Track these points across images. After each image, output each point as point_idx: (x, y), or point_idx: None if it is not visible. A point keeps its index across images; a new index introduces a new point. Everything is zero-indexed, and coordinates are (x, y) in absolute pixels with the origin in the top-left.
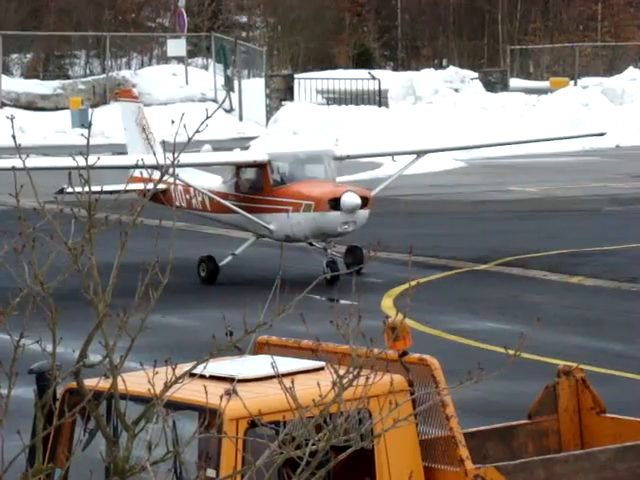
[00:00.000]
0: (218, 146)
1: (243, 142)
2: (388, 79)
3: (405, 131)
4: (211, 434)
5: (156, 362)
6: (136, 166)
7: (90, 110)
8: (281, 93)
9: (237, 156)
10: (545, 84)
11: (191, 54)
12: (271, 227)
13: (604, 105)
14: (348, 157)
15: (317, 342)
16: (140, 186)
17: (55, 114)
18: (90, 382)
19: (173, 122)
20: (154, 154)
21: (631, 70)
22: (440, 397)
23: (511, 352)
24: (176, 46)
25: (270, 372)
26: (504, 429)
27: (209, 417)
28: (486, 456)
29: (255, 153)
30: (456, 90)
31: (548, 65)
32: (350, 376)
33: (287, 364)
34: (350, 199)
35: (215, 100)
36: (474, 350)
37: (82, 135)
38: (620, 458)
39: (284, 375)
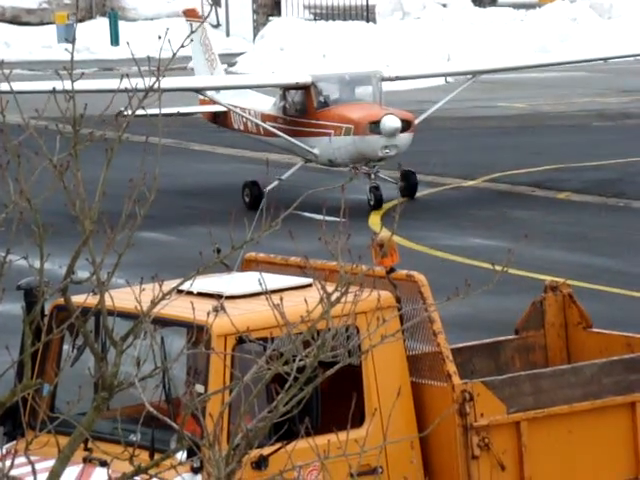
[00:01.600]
0: None
1: (230, 58)
2: None
3: (393, 47)
4: (199, 350)
5: (142, 279)
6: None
7: (75, 25)
8: (268, 8)
9: (279, 78)
10: None
11: None
12: (315, 151)
13: (593, 20)
14: (397, 78)
15: (305, 259)
16: (202, 109)
17: (41, 29)
18: (78, 298)
19: (159, 37)
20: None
21: None
22: (427, 313)
23: (498, 268)
24: None
25: (258, 289)
26: (491, 344)
27: (197, 333)
28: (473, 371)
29: (298, 75)
30: (444, 5)
31: None
32: (338, 293)
33: (275, 281)
34: (390, 122)
35: (202, 15)
36: (461, 266)
37: (66, 50)
38: (606, 372)
39: (272, 292)
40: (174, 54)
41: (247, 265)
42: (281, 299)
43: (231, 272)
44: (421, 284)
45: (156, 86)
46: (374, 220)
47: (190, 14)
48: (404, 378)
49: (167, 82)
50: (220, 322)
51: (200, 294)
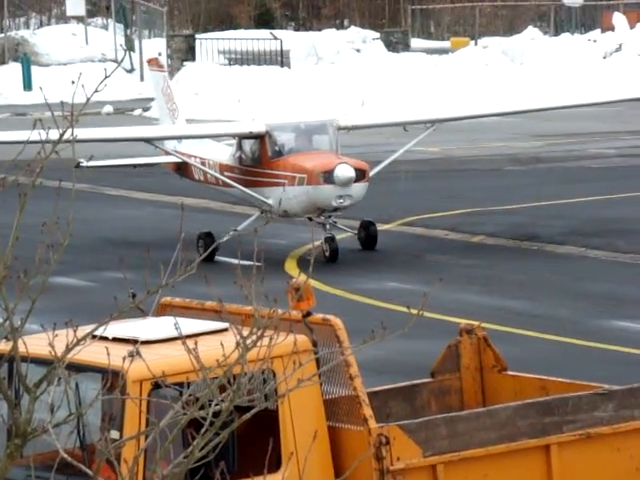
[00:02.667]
0: (119, 107)
1: (144, 102)
2: (290, 39)
3: (307, 92)
4: (114, 396)
5: (56, 324)
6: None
7: None
8: (182, 53)
9: (233, 127)
10: (446, 44)
11: (91, 14)
12: (269, 202)
13: (505, 65)
14: (354, 127)
15: (221, 303)
16: (157, 160)
17: None
18: None
19: (73, 82)
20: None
21: (530, 30)
22: (344, 357)
23: (414, 311)
24: (75, 5)
25: (174, 333)
26: (407, 388)
27: (112, 379)
28: (389, 415)
29: (252, 124)
30: (358, 50)
31: (449, 25)
32: (254, 337)
33: (191, 325)
34: (343, 172)
35: (115, 60)
36: (377, 310)
37: None
38: (521, 415)
39: (188, 336)
40: (88, 99)
41: (163, 310)
42: (196, 343)
43: (146, 317)
44: (337, 328)
45: (69, 131)
46: (290, 264)
47: (152, 63)
48: (321, 422)
49: (118, 132)
50: (135, 367)
51: (115, 339)
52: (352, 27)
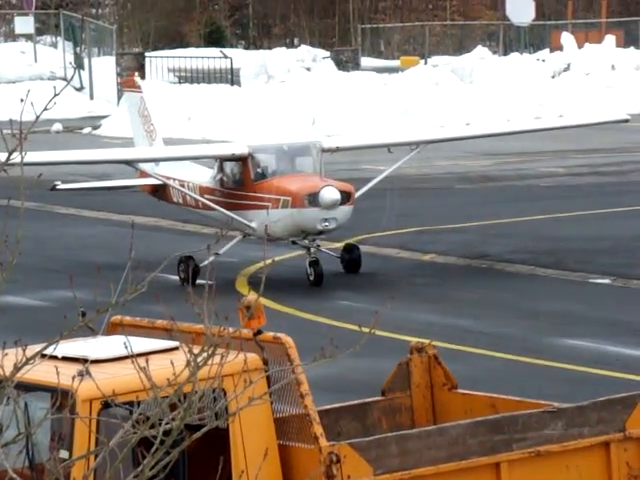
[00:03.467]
0: (68, 125)
1: (94, 121)
2: (240, 58)
3: (258, 110)
4: (64, 415)
5: (5, 343)
6: None
7: None
8: (132, 71)
9: (215, 149)
10: (396, 63)
11: (40, 32)
12: (253, 225)
13: (454, 84)
14: (338, 149)
15: (171, 322)
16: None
17: None
18: None
19: (22, 100)
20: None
21: (480, 49)
22: (294, 375)
23: (365, 330)
24: (24, 23)
25: (124, 352)
26: (358, 406)
27: (62, 398)
28: (340, 433)
29: (234, 146)
30: (308, 69)
31: (399, 44)
32: (204, 355)
33: (141, 344)
34: (329, 194)
35: (65, 78)
36: (328, 328)
37: None
38: (471, 433)
39: (138, 355)
40: (37, 117)
41: (113, 328)
42: (147, 362)
43: (96, 336)
44: (288, 346)
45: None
46: (241, 282)
47: (127, 84)
48: (271, 440)
49: (97, 154)
50: (85, 386)
51: (65, 358)
52: (302, 46)
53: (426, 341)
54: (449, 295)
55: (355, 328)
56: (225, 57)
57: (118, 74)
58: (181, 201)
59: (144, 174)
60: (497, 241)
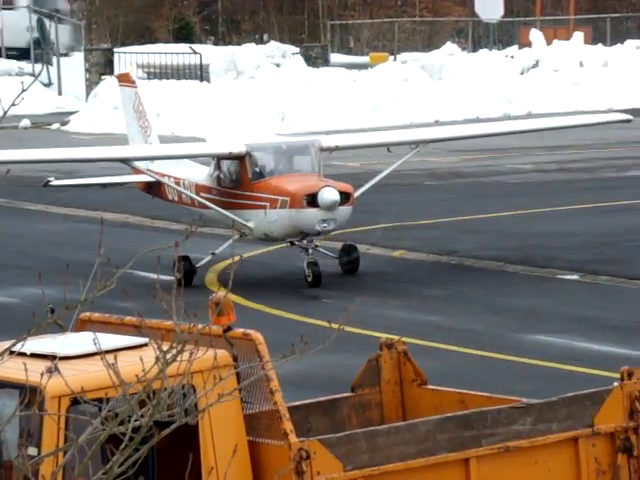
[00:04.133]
0: (37, 120)
1: (62, 117)
2: (209, 54)
3: (227, 106)
4: (32, 412)
5: None
6: None
7: None
8: (101, 67)
9: (211, 147)
10: (365, 59)
11: None
12: (250, 225)
13: (423, 80)
14: (337, 148)
15: (140, 318)
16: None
17: None
18: None
19: None
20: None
21: (449, 45)
22: (264, 371)
23: (335, 326)
24: None
25: (93, 349)
26: (327, 402)
27: (30, 395)
28: (310, 429)
29: (232, 144)
30: (277, 65)
31: (368, 40)
32: (174, 351)
33: (110, 340)
34: (328, 195)
35: (33, 74)
36: (298, 324)
37: None
38: (440, 429)
39: (107, 352)
40: (4, 113)
41: (82, 325)
42: (116, 359)
43: (65, 332)
44: (258, 342)
45: None
46: (210, 279)
47: (122, 78)
48: (241, 437)
49: (93, 152)
50: (54, 383)
51: (33, 355)
52: (272, 42)
53: (396, 337)
54: (418, 291)
55: (325, 324)
56: (194, 53)
57: (87, 70)
58: (176, 199)
59: (138, 170)
60: (466, 237)
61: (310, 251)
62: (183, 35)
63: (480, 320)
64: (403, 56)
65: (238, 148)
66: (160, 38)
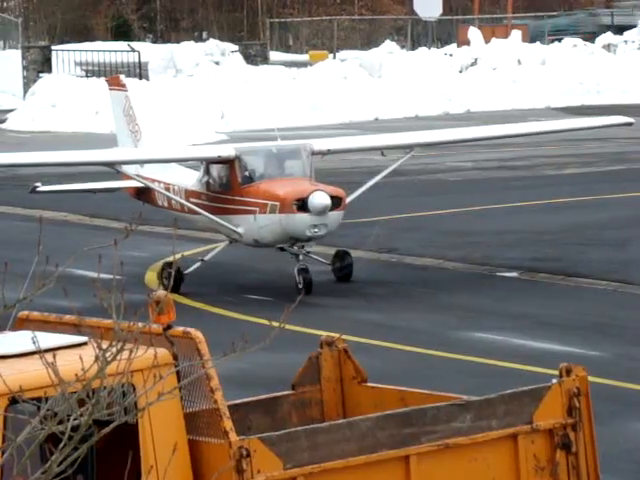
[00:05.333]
0: None
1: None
2: (148, 52)
3: (166, 104)
4: None
5: None
6: None
7: None
8: (38, 65)
9: (200, 151)
10: (305, 57)
11: None
12: (239, 230)
13: (363, 78)
14: (329, 152)
15: (80, 317)
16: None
17: None
18: None
19: None
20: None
21: (388, 43)
22: (204, 370)
23: (275, 324)
24: None
25: (31, 347)
26: (268, 400)
27: None
28: (250, 427)
29: (221, 148)
30: (217, 63)
31: (307, 38)
32: (113, 350)
33: (49, 339)
34: (319, 199)
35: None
36: (239, 322)
37: None
38: (381, 426)
39: (45, 350)
40: None
41: (20, 324)
42: (55, 357)
43: (3, 331)
44: (198, 341)
45: None
46: (151, 277)
47: (112, 82)
48: (181, 435)
49: (79, 155)
50: None
51: None
52: (211, 39)
53: (336, 335)
54: (359, 289)
55: (265, 322)
56: (133, 51)
57: (24, 67)
58: (166, 205)
59: (128, 176)
60: (406, 235)
61: (301, 257)
62: (121, 33)
63: (420, 318)
64: (342, 54)
65: (227, 152)
66: (98, 36)
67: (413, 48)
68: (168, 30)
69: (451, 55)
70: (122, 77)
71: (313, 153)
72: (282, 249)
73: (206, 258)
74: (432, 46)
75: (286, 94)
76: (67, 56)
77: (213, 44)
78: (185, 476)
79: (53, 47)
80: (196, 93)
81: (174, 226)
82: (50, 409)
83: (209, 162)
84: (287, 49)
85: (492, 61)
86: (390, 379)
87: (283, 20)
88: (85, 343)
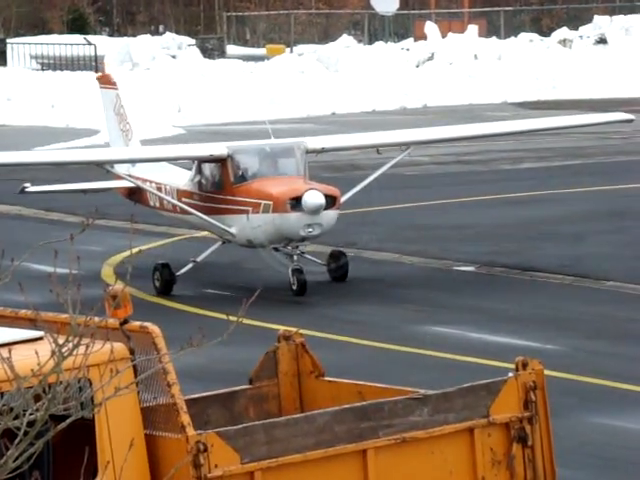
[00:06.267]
0: None
1: None
2: (104, 45)
3: (123, 98)
4: None
5: None
6: None
7: None
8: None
9: (192, 150)
10: (262, 51)
11: None
12: (232, 230)
13: (320, 72)
14: (323, 150)
15: (36, 311)
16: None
17: None
18: None
19: None
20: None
21: (345, 38)
22: (161, 364)
23: (233, 318)
24: None
25: None
26: (225, 395)
27: None
28: (208, 422)
29: (213, 146)
30: (173, 57)
31: (264, 32)
32: (70, 345)
33: (4, 334)
34: (313, 198)
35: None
36: (196, 317)
37: None
38: (338, 420)
39: (1, 345)
40: None
41: None
42: (10, 352)
43: None
44: (155, 335)
45: None
46: (107, 272)
47: (102, 80)
48: (138, 430)
49: (68, 155)
50: None
51: None
52: (167, 33)
53: (293, 329)
54: (316, 283)
55: (223, 317)
56: (89, 44)
57: None
58: (158, 205)
59: (119, 176)
60: (363, 230)
61: (295, 258)
62: (77, 26)
63: (377, 312)
64: (299, 48)
65: (219, 150)
66: (54, 29)
67: (370, 42)
68: (124, 23)
69: (408, 50)
70: (112, 75)
71: (307, 151)
72: (276, 249)
73: (198, 259)
74: (389, 40)
75: (243, 88)
76: (22, 49)
77: (170, 38)
78: (142, 471)
79: (8, 40)
80: (153, 87)
81: (132, 221)
82: (6, 404)
83: (201, 161)
84: (244, 43)
85: (449, 56)
86: (347, 373)
87: (240, 14)
88: (41, 338)
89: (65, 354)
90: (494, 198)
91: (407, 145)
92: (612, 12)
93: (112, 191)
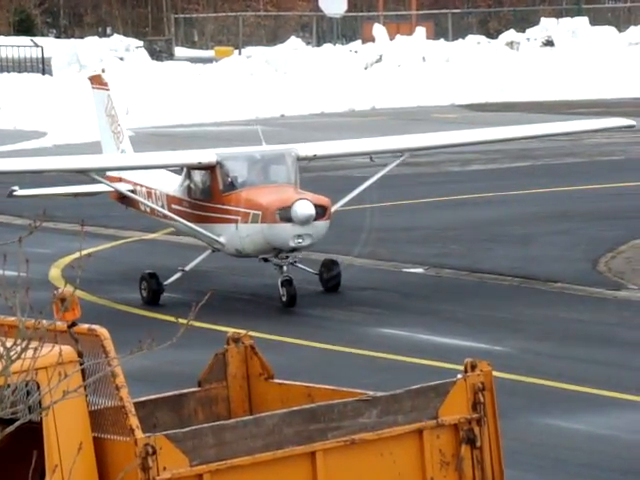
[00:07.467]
0: None
1: None
2: (51, 47)
3: (68, 100)
4: None
5: None
6: None
7: None
8: None
9: (180, 157)
10: (210, 53)
11: None
12: (221, 240)
13: (268, 74)
14: (315, 157)
15: None
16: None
17: None
18: None
19: None
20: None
21: (293, 40)
22: (110, 367)
23: (182, 321)
24: None
25: None
26: (174, 397)
27: None
28: (156, 425)
29: (201, 154)
30: (121, 59)
31: (212, 34)
32: (18, 348)
33: None
34: (302, 208)
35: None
36: (145, 320)
37: None
38: (287, 422)
39: None
40: None
41: None
42: None
43: None
44: (103, 338)
45: None
46: (55, 274)
47: (94, 81)
48: (86, 434)
49: (54, 162)
50: None
51: None
52: (115, 35)
53: (243, 331)
54: (265, 286)
55: (172, 320)
56: (36, 46)
57: None
58: (148, 210)
59: (112, 179)
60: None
61: (285, 269)
62: (24, 28)
63: (326, 314)
64: (248, 50)
65: (208, 158)
66: (0, 31)
67: (318, 44)
68: (72, 25)
69: (356, 52)
70: (103, 76)
71: (299, 159)
72: (265, 260)
73: (187, 268)
74: (337, 43)
75: (192, 90)
76: None
77: (117, 40)
78: (90, 474)
79: None
80: None
81: (81, 223)
82: None
83: (190, 168)
84: (192, 45)
85: (397, 58)
86: (296, 375)
87: (188, 16)
88: None
89: (13, 357)
90: (443, 200)
91: (401, 152)
92: (559, 14)
93: (104, 194)
